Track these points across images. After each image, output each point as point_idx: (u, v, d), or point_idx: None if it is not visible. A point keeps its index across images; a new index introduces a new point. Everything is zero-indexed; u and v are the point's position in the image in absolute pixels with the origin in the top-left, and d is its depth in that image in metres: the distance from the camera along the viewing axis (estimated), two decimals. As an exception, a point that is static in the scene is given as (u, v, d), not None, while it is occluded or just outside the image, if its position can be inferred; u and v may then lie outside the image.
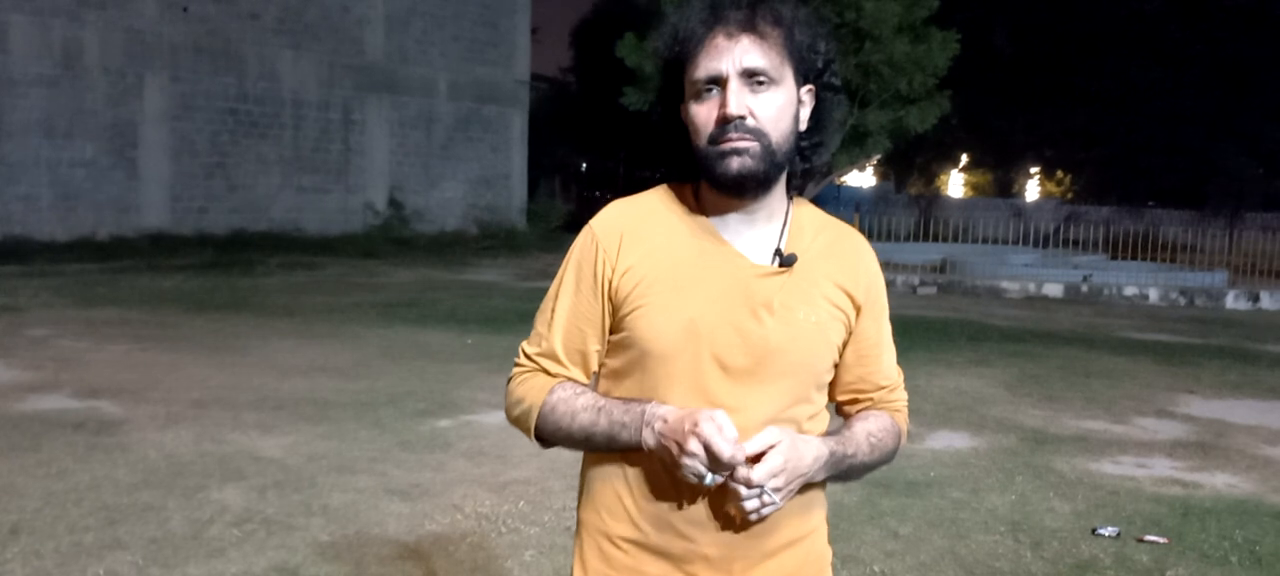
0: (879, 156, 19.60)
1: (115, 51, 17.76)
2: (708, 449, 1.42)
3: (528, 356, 1.67)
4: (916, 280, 17.35)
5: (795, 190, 1.64)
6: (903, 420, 1.75)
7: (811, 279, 1.59)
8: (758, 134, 1.50)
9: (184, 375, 7.66)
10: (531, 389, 1.63)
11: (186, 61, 18.79)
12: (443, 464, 5.52)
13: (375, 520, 4.60)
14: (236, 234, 19.09)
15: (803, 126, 1.58)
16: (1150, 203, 32.95)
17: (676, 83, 1.57)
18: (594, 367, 1.65)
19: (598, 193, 35.90)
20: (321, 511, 4.70)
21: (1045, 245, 21.11)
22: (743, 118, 1.49)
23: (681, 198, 1.62)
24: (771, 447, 1.47)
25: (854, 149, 15.93)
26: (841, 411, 1.73)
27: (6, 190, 16.58)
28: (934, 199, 36.13)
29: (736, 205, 1.57)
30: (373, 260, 18.29)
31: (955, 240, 22.10)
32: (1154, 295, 16.56)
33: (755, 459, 1.46)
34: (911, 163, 36.69)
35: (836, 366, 1.67)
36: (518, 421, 1.66)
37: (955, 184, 47.90)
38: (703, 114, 1.52)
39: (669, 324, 1.54)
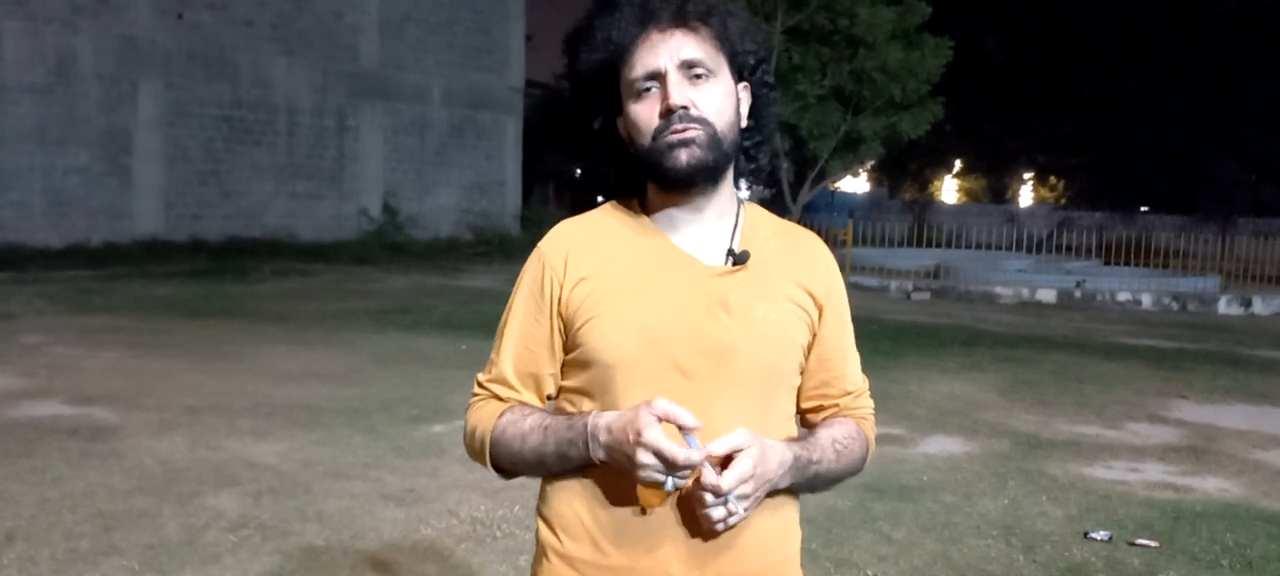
0: (872, 162, 19.67)
1: (109, 58, 17.76)
2: (660, 455, 1.35)
3: (481, 385, 1.63)
4: (910, 285, 17.40)
5: (751, 198, 1.62)
6: (870, 428, 1.69)
7: (769, 277, 1.54)
8: (702, 122, 1.47)
9: (178, 382, 7.66)
10: (482, 416, 1.59)
11: (180, 68, 18.79)
12: (437, 469, 5.53)
13: (370, 525, 4.61)
14: (230, 241, 19.08)
15: (744, 123, 1.55)
16: (1142, 208, 33.09)
17: (612, 92, 1.54)
18: (549, 391, 1.59)
19: (595, 198, 35.95)
20: (316, 517, 4.71)
21: (1038, 251, 21.16)
22: (686, 107, 1.46)
23: (628, 209, 1.59)
24: (740, 451, 1.39)
25: (847, 154, 16.01)
26: (806, 421, 1.66)
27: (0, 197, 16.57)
28: (928, 204, 36.26)
29: (685, 205, 1.53)
30: (367, 267, 18.29)
31: (949, 246, 22.15)
32: (1146, 300, 16.63)
33: (723, 461, 1.39)
34: (905, 168, 36.83)
35: (801, 372, 1.60)
36: (473, 452, 1.60)
37: (949, 189, 48.06)
38: (644, 112, 1.49)
39: (623, 331, 1.48)
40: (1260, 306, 16.40)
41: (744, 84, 1.55)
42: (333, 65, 21.22)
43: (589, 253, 1.54)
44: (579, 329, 1.51)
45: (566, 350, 1.56)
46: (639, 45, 1.49)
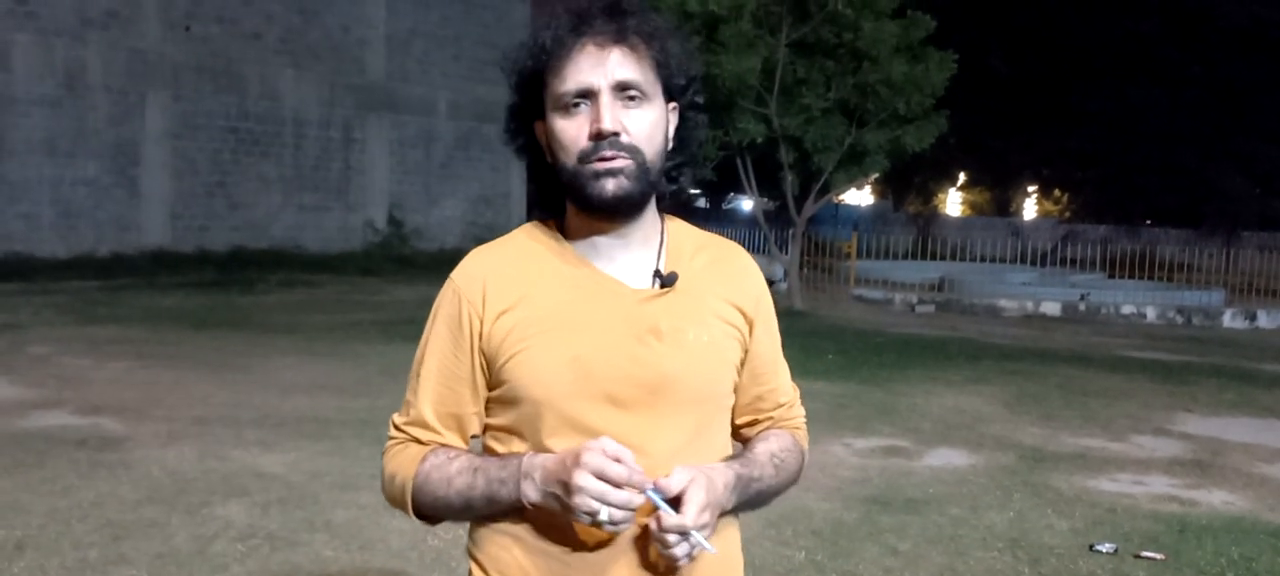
0: (877, 175, 19.68)
1: (117, 71, 17.85)
2: (601, 476, 1.28)
3: (398, 427, 1.53)
4: (914, 299, 17.41)
5: (667, 210, 1.54)
6: (803, 437, 1.66)
7: (698, 297, 1.47)
8: (632, 151, 1.38)
9: (186, 392, 7.70)
10: (403, 461, 1.48)
11: (188, 81, 18.88)
12: (444, 481, 5.55)
13: (377, 536, 4.63)
14: (237, 252, 19.14)
15: (669, 145, 1.48)
16: (1147, 222, 33.06)
17: (535, 98, 1.44)
18: (473, 431, 1.51)
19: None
20: (324, 527, 4.74)
21: (1043, 264, 21.16)
22: (617, 134, 1.38)
23: (546, 232, 1.51)
24: (689, 484, 1.34)
25: (852, 168, 16.00)
26: (740, 435, 1.61)
27: (8, 209, 16.63)
28: (932, 217, 36.24)
29: (608, 230, 1.45)
30: (373, 278, 18.34)
31: (953, 259, 22.16)
32: (1151, 314, 16.62)
33: (673, 503, 1.33)
34: (910, 182, 36.82)
35: (735, 389, 1.55)
36: (393, 499, 1.50)
37: (953, 203, 48.03)
38: (571, 130, 1.40)
39: (551, 365, 1.40)
40: (1265, 320, 16.38)
41: (674, 105, 1.48)
42: (340, 78, 21.31)
43: (508, 283, 1.45)
44: (504, 365, 1.43)
45: (490, 387, 1.47)
46: (573, 55, 1.39)
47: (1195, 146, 30.31)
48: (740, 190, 19.73)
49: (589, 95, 1.39)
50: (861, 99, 15.19)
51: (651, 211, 1.49)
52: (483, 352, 1.46)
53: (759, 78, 14.86)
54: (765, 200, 20.96)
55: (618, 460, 1.30)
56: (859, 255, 20.08)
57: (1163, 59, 30.67)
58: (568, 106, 1.40)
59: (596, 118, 1.38)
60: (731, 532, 1.55)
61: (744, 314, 1.53)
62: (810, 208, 16.51)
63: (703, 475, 1.37)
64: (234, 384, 8.11)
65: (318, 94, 20.96)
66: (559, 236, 1.50)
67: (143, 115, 18.28)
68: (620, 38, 1.40)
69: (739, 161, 16.17)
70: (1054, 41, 32.17)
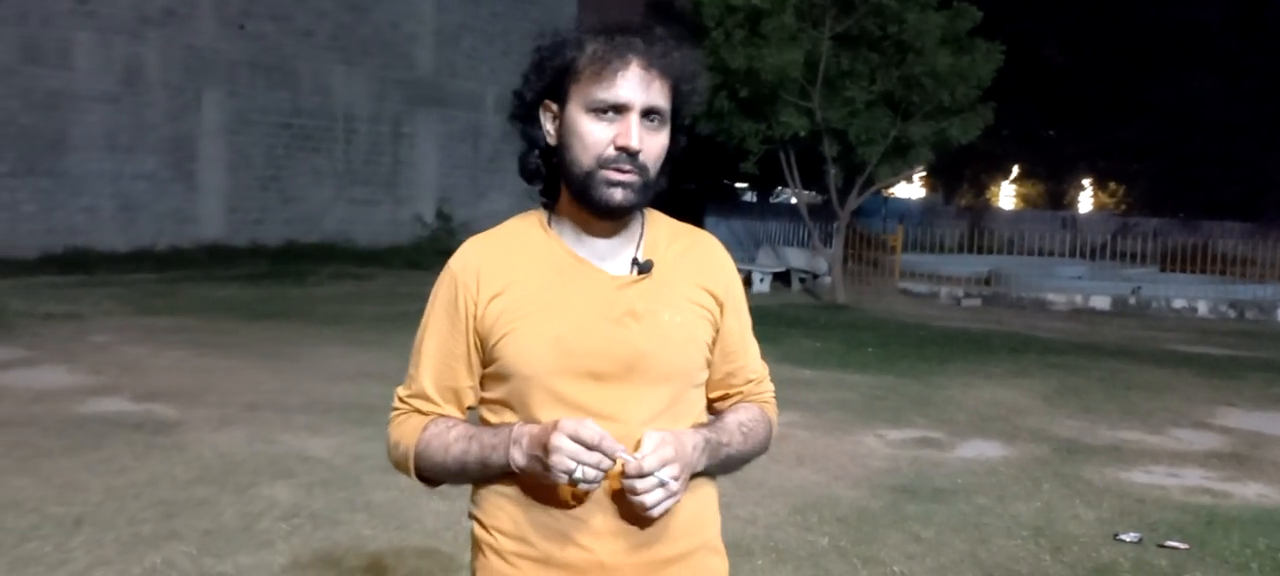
0: (923, 168, 19.55)
1: (175, 68, 18.29)
2: (576, 438, 1.44)
3: (402, 399, 1.71)
4: (961, 293, 17.32)
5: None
6: (772, 410, 1.81)
7: (672, 283, 1.63)
8: (643, 170, 1.55)
9: (238, 379, 7.95)
10: (406, 430, 1.67)
11: (243, 77, 19.30)
12: (482, 465, 5.70)
13: (415, 517, 4.80)
14: (289, 245, 19.52)
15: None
16: (1206, 215, 32.43)
17: (557, 83, 1.58)
18: (468, 403, 1.67)
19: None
20: (365, 508, 4.92)
21: (1095, 257, 20.88)
22: (638, 153, 1.53)
23: (536, 222, 1.67)
24: (655, 441, 1.50)
25: (897, 160, 15.94)
26: (713, 409, 1.77)
27: (70, 202, 17.13)
28: (983, 211, 35.84)
29: (596, 225, 1.61)
30: (420, 271, 18.61)
31: (1004, 253, 21.95)
32: (1203, 308, 16.37)
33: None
34: (961, 174, 36.48)
35: (708, 366, 1.70)
36: (398, 464, 1.69)
37: (1006, 196, 47.44)
38: (598, 132, 1.54)
39: (536, 344, 1.56)
40: (1322, 315, 16.06)
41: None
42: (390, 73, 21.63)
43: (499, 270, 1.62)
44: (495, 344, 1.59)
45: (485, 365, 1.64)
46: (618, 69, 1.53)
47: (1254, 137, 29.67)
48: (784, 184, 19.69)
49: (622, 110, 1.53)
50: (906, 91, 15.13)
51: None
52: (477, 333, 1.63)
53: (802, 71, 14.87)
54: (811, 194, 20.94)
55: (586, 423, 1.47)
56: (907, 249, 19.96)
57: (1222, 48, 30.05)
58: (598, 110, 1.54)
59: (625, 133, 1.52)
60: (708, 492, 1.72)
61: (715, 297, 1.69)
62: (854, 201, 16.48)
63: (671, 435, 1.53)
64: (284, 371, 8.35)
65: (368, 89, 21.31)
66: (547, 227, 1.66)
67: (199, 111, 18.72)
68: (663, 68, 1.56)
69: (782, 155, 16.19)
70: (1110, 31, 31.66)
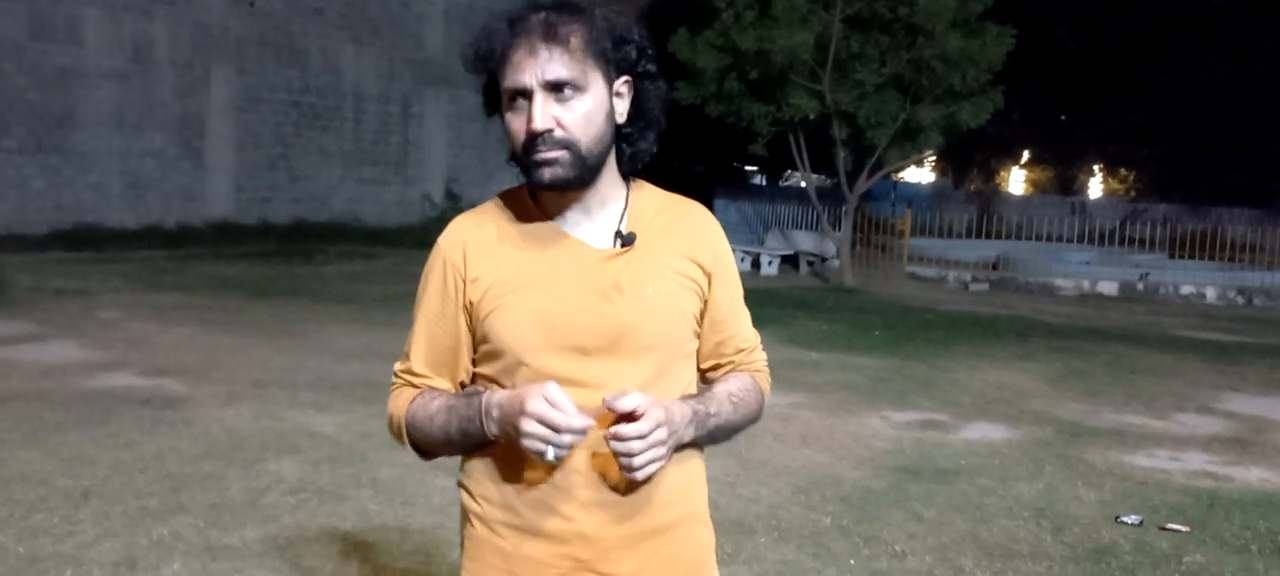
0: (933, 152, 19.49)
1: (184, 45, 18.31)
2: (544, 422, 1.45)
3: (397, 373, 1.74)
4: (969, 277, 17.30)
5: (631, 173, 1.68)
6: (764, 380, 1.80)
7: (656, 254, 1.63)
8: (566, 143, 1.53)
9: (245, 357, 7.99)
10: (399, 403, 1.70)
11: (252, 55, 19.30)
12: (487, 443, 5.74)
13: (420, 492, 4.84)
14: (298, 223, 19.56)
15: (621, 119, 1.60)
16: (1215, 201, 32.29)
17: (491, 82, 1.60)
18: (461, 377, 1.69)
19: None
20: (371, 483, 4.96)
21: (1104, 243, 20.82)
22: (549, 131, 1.52)
23: (520, 201, 1.67)
24: (639, 409, 1.49)
25: (906, 144, 15.92)
26: (706, 379, 1.76)
27: (79, 179, 17.18)
28: (993, 196, 35.73)
29: (570, 200, 1.62)
30: (428, 251, 18.63)
31: (1013, 237, 21.90)
32: (1211, 294, 16.34)
33: (626, 419, 1.49)
34: (971, 159, 36.34)
35: (697, 337, 1.70)
36: (394, 435, 1.73)
37: (1016, 181, 47.29)
38: (515, 125, 1.56)
39: (522, 318, 1.58)
40: (1331, 302, 16.02)
41: (625, 79, 1.60)
42: (398, 52, 21.62)
43: (486, 248, 1.64)
44: (484, 320, 1.62)
45: (477, 342, 1.66)
46: (510, 56, 1.53)
47: (1265, 123, 29.49)
48: (793, 167, 19.66)
49: (524, 94, 1.53)
50: (916, 74, 15.10)
51: (609, 178, 1.64)
52: (465, 309, 1.65)
53: (812, 53, 14.84)
54: (820, 177, 20.89)
55: (557, 406, 1.47)
56: (915, 233, 19.93)
57: (1233, 32, 29.86)
58: (510, 103, 1.56)
59: (530, 118, 1.52)
60: (694, 463, 1.72)
61: (702, 267, 1.68)
62: (863, 184, 16.45)
63: (660, 404, 1.52)
64: (292, 349, 8.39)
65: (377, 68, 21.30)
66: (531, 203, 1.66)
67: (208, 89, 18.74)
68: (550, 34, 1.52)
69: (791, 138, 16.16)
70: (1121, 15, 31.44)
